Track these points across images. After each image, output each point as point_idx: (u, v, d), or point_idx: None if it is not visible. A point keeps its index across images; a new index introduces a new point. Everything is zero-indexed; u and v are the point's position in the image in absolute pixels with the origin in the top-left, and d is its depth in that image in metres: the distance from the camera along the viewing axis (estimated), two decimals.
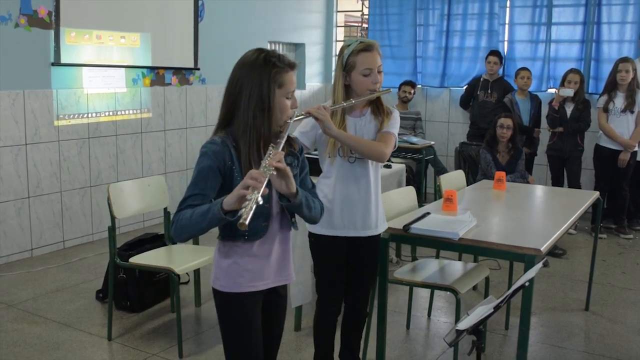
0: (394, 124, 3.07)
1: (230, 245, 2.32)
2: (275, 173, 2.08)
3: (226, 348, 2.42)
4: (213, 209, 2.08)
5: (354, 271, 3.18)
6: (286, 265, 2.44)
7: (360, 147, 2.94)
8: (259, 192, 1.97)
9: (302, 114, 2.75)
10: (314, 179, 3.49)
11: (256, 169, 2.05)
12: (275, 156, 2.10)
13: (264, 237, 2.31)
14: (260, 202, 1.97)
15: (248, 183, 1.99)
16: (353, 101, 2.94)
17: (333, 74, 3.14)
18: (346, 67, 2.97)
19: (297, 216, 2.38)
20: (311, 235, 3.14)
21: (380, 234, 3.16)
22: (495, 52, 7.44)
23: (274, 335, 2.53)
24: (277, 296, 2.46)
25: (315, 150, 3.19)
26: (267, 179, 2.02)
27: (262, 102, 2.20)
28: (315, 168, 3.59)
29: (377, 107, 3.07)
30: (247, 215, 1.93)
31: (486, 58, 7.47)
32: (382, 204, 3.21)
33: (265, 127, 2.22)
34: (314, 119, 2.80)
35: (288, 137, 2.30)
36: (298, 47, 8.71)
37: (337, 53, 3.04)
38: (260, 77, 2.21)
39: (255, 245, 2.31)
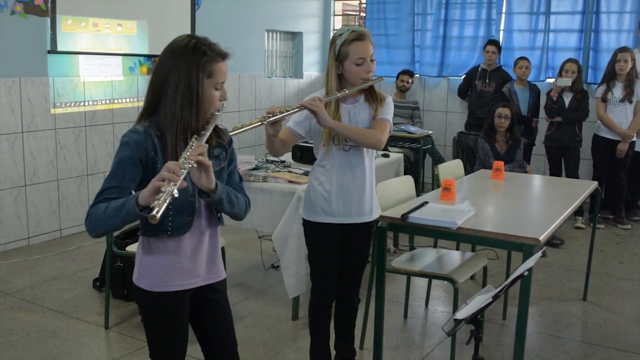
0: (388, 110, 3.08)
1: (153, 241, 2.20)
2: (195, 166, 1.98)
3: (150, 347, 2.32)
4: (128, 204, 1.96)
5: (347, 257, 3.19)
6: (216, 262, 2.33)
7: (356, 136, 2.94)
8: (175, 185, 1.86)
9: (296, 107, 2.74)
10: (308, 167, 3.49)
11: (171, 161, 1.95)
12: (197, 149, 2.00)
13: (189, 232, 2.19)
14: (176, 195, 1.86)
15: (164, 175, 1.88)
16: (347, 91, 2.93)
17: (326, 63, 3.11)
18: (339, 56, 2.95)
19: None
20: (306, 223, 3.14)
21: (374, 220, 3.17)
22: (493, 42, 7.41)
23: (224, 332, 2.39)
24: (213, 292, 2.34)
25: (311, 139, 3.18)
26: (186, 172, 1.92)
27: (190, 92, 2.09)
28: (310, 157, 3.59)
29: (371, 94, 3.07)
30: (159, 208, 1.80)
31: (484, 47, 7.44)
32: (376, 190, 3.21)
33: (193, 119, 2.11)
34: (309, 111, 2.79)
35: (218, 128, 2.20)
36: (295, 35, 8.67)
37: (329, 42, 3.01)
38: (188, 65, 2.09)
39: (181, 241, 2.19)
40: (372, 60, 2.97)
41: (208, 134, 2.11)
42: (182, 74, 2.09)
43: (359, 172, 3.06)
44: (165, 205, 1.82)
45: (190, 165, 1.94)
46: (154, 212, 1.80)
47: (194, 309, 2.34)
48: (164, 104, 2.11)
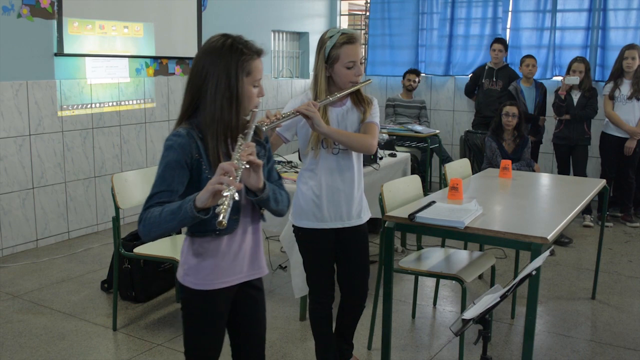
0: (376, 113, 3.08)
1: (200, 242, 2.21)
2: (247, 167, 1.99)
3: (187, 343, 2.34)
4: (185, 207, 1.97)
5: (345, 262, 3.18)
6: (258, 258, 2.34)
7: (350, 141, 2.94)
8: (235, 188, 1.88)
9: (292, 113, 2.71)
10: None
11: (226, 162, 1.96)
12: (247, 148, 2.01)
13: (235, 231, 2.21)
14: (237, 198, 1.88)
15: (222, 179, 1.89)
16: (338, 95, 2.92)
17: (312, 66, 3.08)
18: (328, 59, 2.93)
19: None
20: (298, 230, 3.12)
21: (364, 224, 3.16)
22: (499, 40, 7.39)
23: (257, 329, 2.42)
24: (252, 288, 2.36)
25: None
26: (240, 173, 1.93)
27: (229, 92, 2.09)
28: None
29: (357, 97, 3.05)
30: (225, 213, 1.83)
31: (490, 46, 7.43)
32: (365, 192, 3.20)
33: (234, 118, 2.12)
34: (304, 117, 2.77)
35: (255, 126, 2.21)
36: (302, 35, 8.67)
37: (317, 45, 2.98)
38: (227, 65, 2.09)
39: (226, 240, 2.22)
40: (361, 63, 2.97)
41: (252, 132, 2.12)
42: (221, 73, 2.10)
43: (349, 175, 3.06)
44: (229, 209, 1.85)
45: (243, 166, 1.96)
46: (221, 218, 1.83)
47: (231, 305, 2.36)
48: (203, 105, 2.13)
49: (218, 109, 2.10)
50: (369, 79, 3.23)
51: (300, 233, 3.12)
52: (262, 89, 2.22)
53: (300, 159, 3.17)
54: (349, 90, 2.95)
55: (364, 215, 3.17)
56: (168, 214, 2.02)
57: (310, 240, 3.11)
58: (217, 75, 2.10)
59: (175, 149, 2.10)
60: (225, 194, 1.87)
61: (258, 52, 2.17)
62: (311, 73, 3.14)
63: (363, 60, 2.98)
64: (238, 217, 2.20)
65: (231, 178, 1.89)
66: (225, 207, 1.85)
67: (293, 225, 3.14)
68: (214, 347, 2.35)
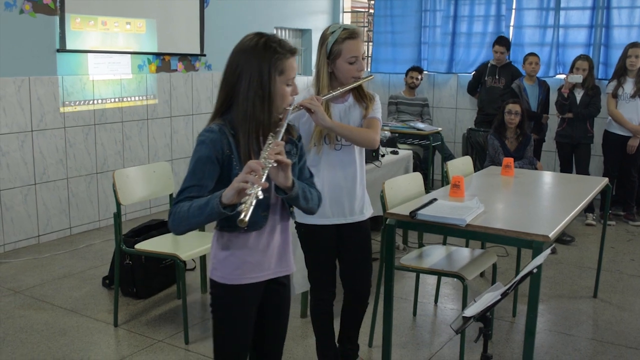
0: (378, 109, 3.08)
1: (228, 237, 2.24)
2: (275, 165, 2.00)
3: (216, 338, 2.36)
4: (212, 203, 2.00)
5: (347, 259, 3.18)
6: (287, 255, 2.37)
7: (354, 136, 2.95)
8: (259, 187, 1.90)
9: (295, 107, 2.71)
10: None
11: (255, 159, 1.98)
12: (275, 147, 2.03)
13: (263, 227, 2.24)
14: (261, 197, 1.90)
15: (248, 178, 1.91)
16: (340, 90, 2.92)
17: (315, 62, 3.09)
18: (330, 55, 2.94)
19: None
20: (300, 226, 3.11)
21: (365, 220, 3.15)
22: (500, 41, 7.33)
23: (280, 326, 2.46)
24: (279, 285, 2.39)
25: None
26: (266, 171, 1.95)
27: (262, 90, 2.12)
28: None
29: (359, 93, 3.06)
30: (247, 212, 1.86)
31: (493, 46, 7.41)
32: (367, 189, 3.20)
33: (266, 116, 2.14)
34: (307, 111, 2.77)
35: (287, 124, 2.22)
36: (304, 32, 8.66)
37: (319, 40, 2.99)
38: (260, 63, 2.12)
39: (255, 236, 2.24)
40: (363, 59, 2.98)
41: (283, 130, 2.14)
42: (254, 72, 2.13)
43: (351, 171, 3.06)
44: (252, 208, 1.87)
45: (270, 165, 1.97)
46: (242, 216, 1.85)
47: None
48: (237, 102, 2.15)
49: (250, 107, 2.13)
50: (371, 75, 3.24)
51: (303, 229, 3.12)
52: (295, 88, 2.24)
53: None
54: (351, 85, 2.96)
55: (366, 211, 3.16)
56: (196, 209, 2.05)
57: (312, 237, 3.11)
58: (250, 73, 2.13)
59: (207, 144, 2.13)
60: (249, 192, 1.89)
61: (292, 51, 2.19)
62: (314, 70, 3.14)
63: (365, 56, 2.97)
64: (267, 214, 2.23)
65: (256, 176, 1.91)
66: (247, 205, 1.87)
67: (295, 222, 3.14)
68: (243, 343, 2.35)
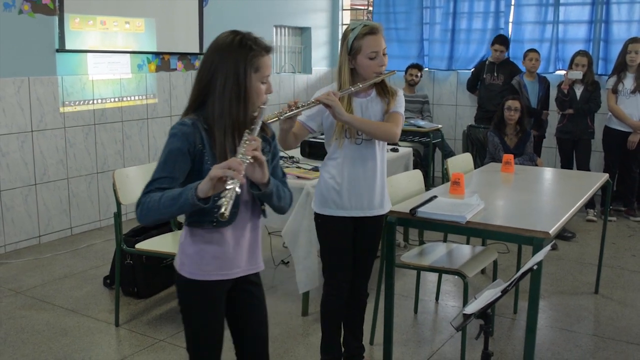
0: (400, 104, 3.10)
1: (197, 231, 2.24)
2: (251, 161, 2.02)
3: (187, 335, 2.36)
4: (186, 194, 2.00)
5: (356, 251, 3.20)
6: (256, 253, 2.36)
7: (372, 129, 2.97)
8: (238, 182, 1.91)
9: (312, 102, 2.75)
10: (317, 163, 3.48)
11: (231, 156, 1.98)
12: (252, 143, 2.03)
13: (233, 223, 2.22)
14: (239, 192, 1.90)
15: (227, 173, 1.92)
16: (360, 85, 2.96)
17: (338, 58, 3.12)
18: (351, 50, 2.97)
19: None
20: (318, 217, 3.15)
21: (384, 214, 3.17)
22: (499, 40, 7.31)
23: (260, 326, 2.42)
24: (251, 284, 2.37)
25: (321, 133, 3.18)
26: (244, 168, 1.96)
27: (238, 87, 2.12)
28: (318, 152, 3.57)
29: (382, 88, 3.09)
30: (227, 205, 1.86)
31: (492, 44, 7.39)
32: (387, 184, 3.22)
33: (241, 113, 2.14)
34: (324, 105, 2.80)
35: (261, 122, 2.22)
36: (304, 31, 8.65)
37: (341, 37, 3.01)
38: (236, 61, 2.13)
39: (224, 232, 2.23)
40: (384, 54, 2.99)
41: (259, 127, 2.14)
42: (230, 69, 2.13)
43: (371, 165, 3.08)
44: (232, 202, 1.87)
45: (247, 161, 1.98)
46: (223, 210, 1.85)
47: (228, 301, 2.36)
48: (212, 100, 2.15)
49: (226, 105, 2.13)
50: (393, 71, 3.24)
51: (320, 220, 3.15)
52: (270, 86, 2.24)
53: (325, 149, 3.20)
54: (371, 81, 2.99)
55: (385, 206, 3.18)
56: (168, 199, 2.04)
57: (329, 228, 3.13)
58: (226, 70, 2.13)
59: (179, 137, 2.13)
60: (228, 186, 1.90)
61: (267, 49, 2.19)
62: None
63: (386, 52, 2.99)
64: (237, 211, 2.22)
65: (235, 172, 1.92)
66: (227, 199, 1.87)
67: (315, 213, 3.17)
68: (214, 340, 2.34)
